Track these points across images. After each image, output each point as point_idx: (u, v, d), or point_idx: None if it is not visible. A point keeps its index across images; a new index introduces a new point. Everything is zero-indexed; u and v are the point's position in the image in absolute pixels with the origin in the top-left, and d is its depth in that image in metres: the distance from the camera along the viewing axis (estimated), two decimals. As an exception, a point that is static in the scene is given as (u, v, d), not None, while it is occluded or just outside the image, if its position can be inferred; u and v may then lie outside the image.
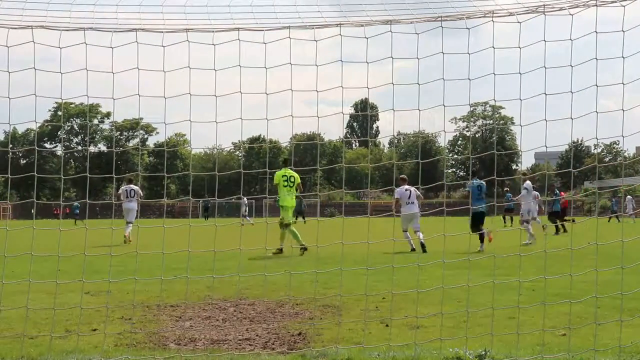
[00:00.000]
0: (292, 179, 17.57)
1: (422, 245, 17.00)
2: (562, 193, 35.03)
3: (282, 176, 17.46)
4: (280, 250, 16.72)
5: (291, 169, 18.27)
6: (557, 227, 26.38)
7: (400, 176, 20.79)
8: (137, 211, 22.49)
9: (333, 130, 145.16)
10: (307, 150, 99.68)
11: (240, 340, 6.45)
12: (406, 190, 18.53)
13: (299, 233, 17.04)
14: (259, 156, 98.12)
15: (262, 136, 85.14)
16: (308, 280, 10.22)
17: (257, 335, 6.66)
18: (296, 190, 17.75)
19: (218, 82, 5.15)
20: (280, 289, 9.74)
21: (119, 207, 24.78)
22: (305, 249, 16.47)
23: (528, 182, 23.15)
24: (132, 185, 22.63)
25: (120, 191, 22.84)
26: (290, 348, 6.07)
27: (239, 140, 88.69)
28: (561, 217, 28.11)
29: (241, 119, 5.34)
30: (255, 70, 5.23)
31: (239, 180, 6.86)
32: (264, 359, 5.47)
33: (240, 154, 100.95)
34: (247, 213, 42.25)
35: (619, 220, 43.15)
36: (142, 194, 23.60)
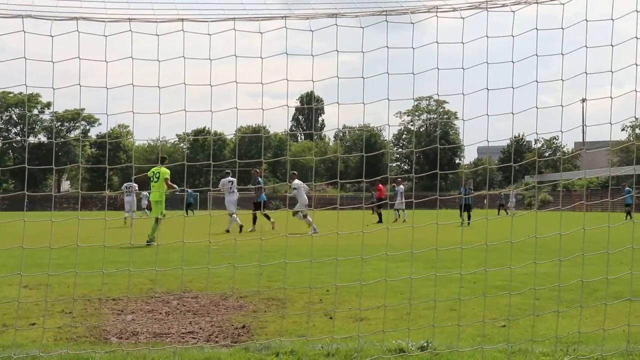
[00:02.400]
0: (158, 175, 18.77)
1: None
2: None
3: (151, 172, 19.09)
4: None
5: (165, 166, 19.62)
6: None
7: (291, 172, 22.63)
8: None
9: (278, 123, 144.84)
10: (253, 143, 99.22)
11: (183, 333, 6.40)
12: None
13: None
14: (204, 148, 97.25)
15: (206, 128, 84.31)
16: (252, 273, 10.20)
17: (200, 329, 6.61)
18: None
19: (162, 73, 5.08)
20: (224, 282, 9.69)
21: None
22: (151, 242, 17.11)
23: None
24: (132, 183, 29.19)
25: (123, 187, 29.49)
26: (234, 341, 6.05)
27: (183, 132, 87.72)
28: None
29: (185, 111, 5.28)
30: (200, 61, 5.17)
31: (183, 172, 6.78)
32: (207, 353, 5.43)
33: (185, 146, 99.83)
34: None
35: (507, 214, 45.37)
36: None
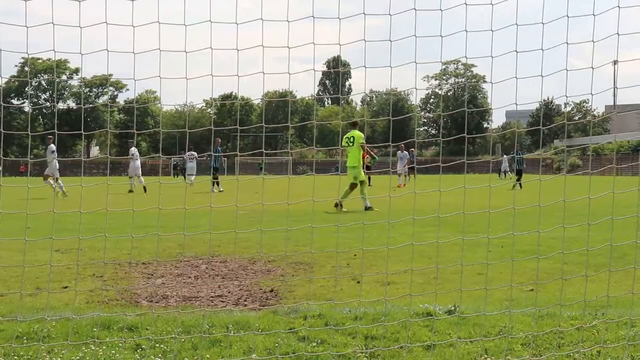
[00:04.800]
0: (352, 139, 17.79)
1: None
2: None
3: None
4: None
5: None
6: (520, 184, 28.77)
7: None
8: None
9: (305, 87, 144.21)
10: (280, 108, 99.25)
11: (212, 297, 6.48)
12: None
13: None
14: (231, 114, 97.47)
15: (233, 93, 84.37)
16: (280, 237, 10.26)
17: (229, 292, 6.69)
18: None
19: (189, 38, 5.07)
20: (252, 246, 9.77)
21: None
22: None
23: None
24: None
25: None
26: (262, 305, 6.11)
27: (210, 98, 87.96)
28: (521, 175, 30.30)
29: (212, 75, 5.27)
30: (226, 26, 5.15)
31: (210, 137, 6.81)
32: (236, 316, 5.50)
33: (212, 112, 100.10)
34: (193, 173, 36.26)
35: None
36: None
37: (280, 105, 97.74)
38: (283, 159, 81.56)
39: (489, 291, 5.86)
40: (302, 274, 7.67)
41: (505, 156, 57.94)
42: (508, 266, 7.16)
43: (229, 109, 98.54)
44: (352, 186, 17.37)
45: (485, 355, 4.53)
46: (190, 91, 5.75)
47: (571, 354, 4.48)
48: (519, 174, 30.92)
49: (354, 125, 18.92)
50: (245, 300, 6.33)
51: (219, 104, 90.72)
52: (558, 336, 4.91)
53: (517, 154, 32.43)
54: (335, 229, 8.30)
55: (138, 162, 29.64)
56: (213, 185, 28.26)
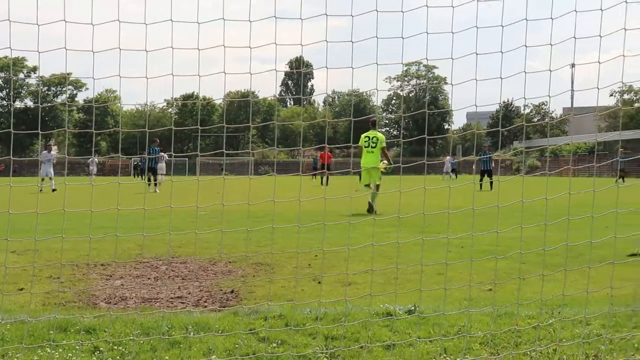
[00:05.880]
0: (375, 140, 16.96)
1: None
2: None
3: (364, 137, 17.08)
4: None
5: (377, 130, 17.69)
6: (491, 183, 29.68)
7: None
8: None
9: (267, 88, 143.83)
10: (242, 108, 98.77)
11: (172, 298, 6.43)
12: None
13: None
14: (192, 114, 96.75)
15: (195, 93, 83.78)
16: (240, 238, 10.23)
17: (189, 294, 6.65)
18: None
19: (150, 38, 5.02)
20: (212, 247, 9.72)
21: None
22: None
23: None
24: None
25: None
26: (223, 306, 6.08)
27: (171, 97, 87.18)
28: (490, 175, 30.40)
29: (172, 75, 5.23)
30: (187, 25, 5.12)
31: (171, 137, 6.76)
32: (196, 317, 5.46)
33: (173, 111, 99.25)
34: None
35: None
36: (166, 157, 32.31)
37: (242, 106, 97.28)
38: (245, 159, 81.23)
39: (449, 291, 5.91)
40: (263, 275, 7.66)
41: (448, 157, 58.98)
42: (467, 266, 7.25)
43: (190, 108, 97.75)
44: (377, 187, 16.50)
45: (444, 355, 4.57)
46: (151, 91, 5.69)
47: (528, 353, 4.54)
48: (489, 175, 31.03)
49: (373, 125, 18.15)
50: (205, 302, 6.30)
51: (180, 104, 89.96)
52: (515, 335, 4.98)
53: (483, 155, 32.72)
54: (296, 229, 8.30)
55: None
56: (149, 184, 28.57)
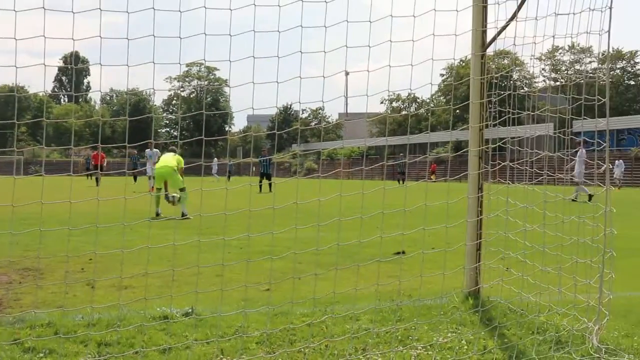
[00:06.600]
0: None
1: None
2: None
3: None
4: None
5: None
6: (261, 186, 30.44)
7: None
8: None
9: (40, 83, 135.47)
10: (10, 104, 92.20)
11: None
12: None
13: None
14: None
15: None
16: (5, 242, 9.53)
17: (-56, 304, 6.08)
18: None
19: None
20: (-27, 252, 8.97)
21: None
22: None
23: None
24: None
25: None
26: (-17, 315, 5.63)
27: None
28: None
29: None
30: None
31: None
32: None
33: None
34: None
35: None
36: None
37: (10, 101, 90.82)
38: (12, 157, 75.86)
39: (227, 292, 5.95)
40: (31, 281, 7.20)
41: (215, 159, 60.20)
42: (245, 267, 7.34)
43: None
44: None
45: (221, 356, 4.59)
46: None
47: (302, 350, 4.69)
48: (267, 177, 31.71)
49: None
50: (-37, 312, 5.79)
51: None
52: (290, 333, 5.12)
53: (262, 157, 33.38)
54: (68, 232, 7.90)
55: None
56: None
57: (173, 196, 15.01)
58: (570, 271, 5.38)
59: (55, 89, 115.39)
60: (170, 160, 16.00)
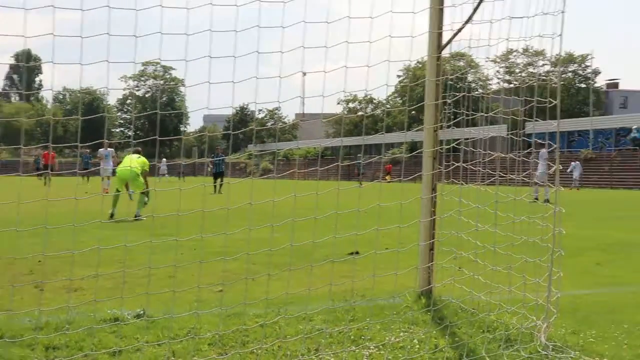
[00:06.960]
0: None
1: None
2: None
3: None
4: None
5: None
6: (215, 186, 29.98)
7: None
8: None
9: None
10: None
11: None
12: None
13: None
14: None
15: None
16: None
17: None
18: None
19: None
20: None
21: None
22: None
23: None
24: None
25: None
26: None
27: None
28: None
29: None
30: None
31: None
32: None
33: None
34: None
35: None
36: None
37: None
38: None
39: (180, 293, 5.89)
40: (-23, 284, 7.03)
41: (164, 159, 60.01)
42: (198, 268, 7.27)
43: None
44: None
45: (173, 358, 4.54)
46: None
47: (255, 351, 4.67)
48: (220, 176, 31.64)
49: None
50: None
51: None
52: (243, 334, 5.09)
53: (216, 157, 33.23)
54: (15, 233, 7.74)
55: None
56: None
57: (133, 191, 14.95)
58: (520, 270, 5.47)
59: (6, 87, 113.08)
60: (134, 162, 15.80)
